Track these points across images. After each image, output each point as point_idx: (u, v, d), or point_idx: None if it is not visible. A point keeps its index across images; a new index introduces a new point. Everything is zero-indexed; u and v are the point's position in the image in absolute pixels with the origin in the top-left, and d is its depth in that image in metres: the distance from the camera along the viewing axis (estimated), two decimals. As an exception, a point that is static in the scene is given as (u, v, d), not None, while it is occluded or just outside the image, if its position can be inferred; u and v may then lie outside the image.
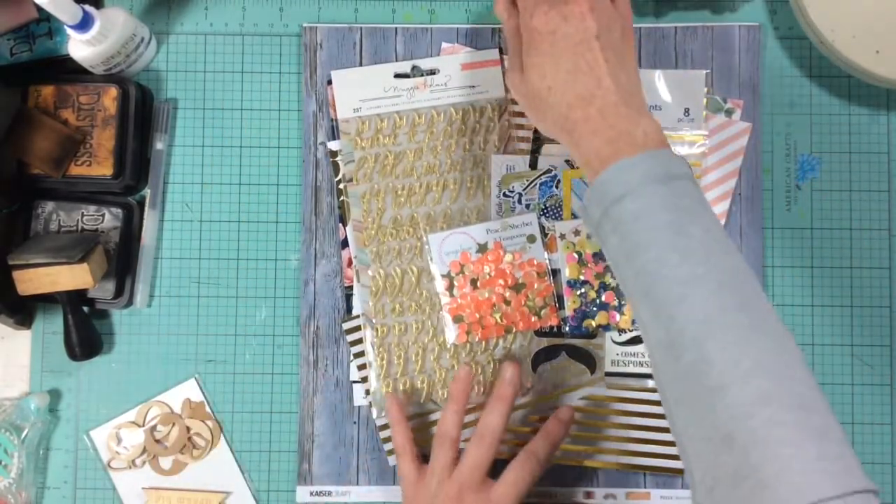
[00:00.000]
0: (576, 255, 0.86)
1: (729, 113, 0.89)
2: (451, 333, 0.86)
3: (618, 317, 0.87)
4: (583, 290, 0.87)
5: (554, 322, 0.86)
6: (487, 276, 0.87)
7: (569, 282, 0.86)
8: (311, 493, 0.88)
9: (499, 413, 0.80)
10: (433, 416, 0.87)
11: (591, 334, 0.87)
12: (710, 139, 0.88)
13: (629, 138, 0.69)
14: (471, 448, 0.80)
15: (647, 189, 0.66)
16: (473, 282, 0.87)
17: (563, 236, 0.86)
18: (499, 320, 0.87)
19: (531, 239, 0.87)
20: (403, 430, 0.84)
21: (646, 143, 0.69)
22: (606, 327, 0.87)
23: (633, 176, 0.67)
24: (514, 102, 0.89)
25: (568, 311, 0.87)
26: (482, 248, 0.87)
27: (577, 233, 0.86)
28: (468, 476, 0.79)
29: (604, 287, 0.87)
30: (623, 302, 0.86)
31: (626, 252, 0.66)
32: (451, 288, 0.87)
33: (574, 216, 0.87)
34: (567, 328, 0.87)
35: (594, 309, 0.87)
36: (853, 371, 0.89)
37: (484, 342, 0.87)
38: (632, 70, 0.74)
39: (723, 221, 0.88)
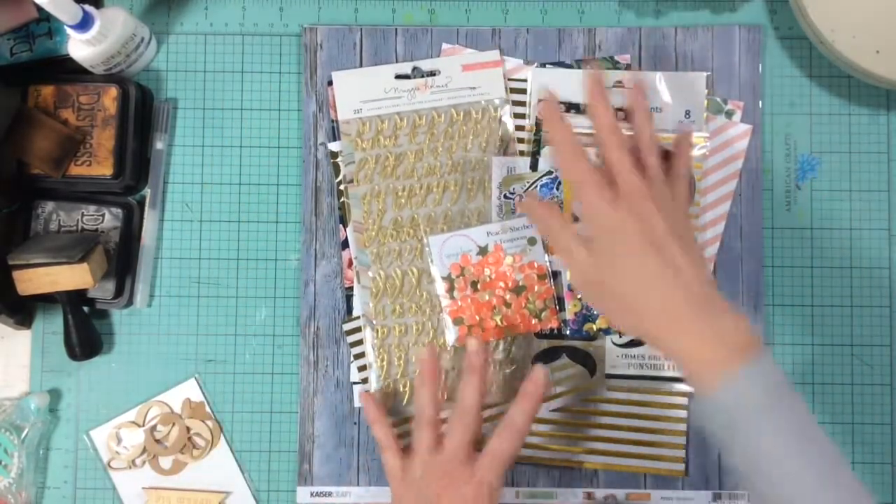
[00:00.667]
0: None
1: (729, 115, 0.89)
2: (452, 335, 0.87)
3: (619, 320, 0.87)
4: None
5: (554, 325, 0.86)
6: (488, 279, 0.87)
7: (570, 286, 0.86)
8: (312, 494, 0.88)
9: (472, 387, 0.80)
10: (433, 417, 0.88)
11: (591, 337, 0.87)
12: (711, 141, 0.88)
13: (724, 339, 0.70)
14: (456, 423, 0.79)
15: (769, 404, 0.68)
16: (474, 284, 0.87)
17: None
18: (499, 323, 0.87)
19: (532, 241, 0.87)
20: (383, 427, 0.83)
21: (738, 338, 0.70)
22: (607, 331, 0.87)
23: (753, 392, 0.68)
24: (514, 104, 0.89)
25: (569, 315, 0.86)
26: (483, 251, 0.87)
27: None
28: (453, 454, 0.78)
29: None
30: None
31: (752, 459, 0.68)
32: (451, 290, 0.87)
33: (575, 220, 0.87)
34: (568, 331, 0.87)
35: (595, 312, 0.87)
36: (853, 371, 0.89)
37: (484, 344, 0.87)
38: (698, 255, 0.74)
39: (723, 222, 0.88)
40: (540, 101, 0.89)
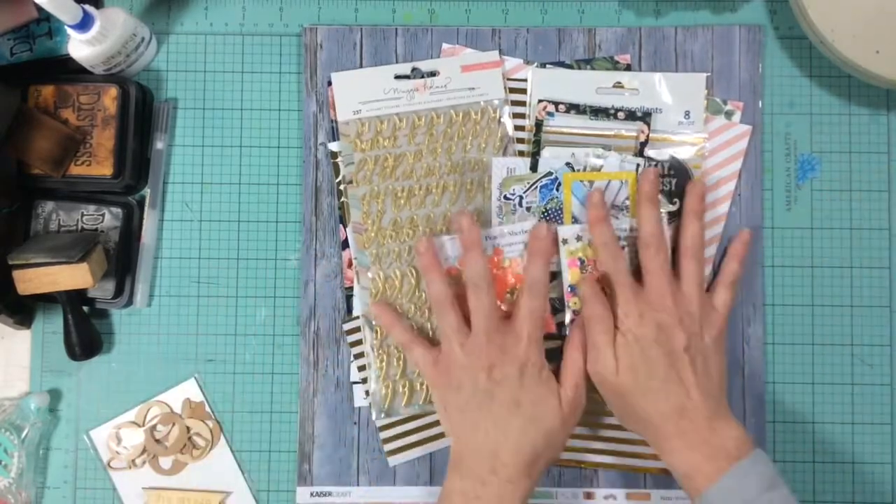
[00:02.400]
0: (578, 261, 0.86)
1: (729, 115, 0.89)
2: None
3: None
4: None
5: (550, 329, 0.86)
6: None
7: (571, 286, 0.86)
8: (312, 494, 0.88)
9: (537, 265, 0.82)
10: (433, 418, 0.87)
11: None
12: (711, 142, 0.88)
13: (725, 452, 0.76)
14: (474, 300, 0.81)
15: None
16: (472, 286, 0.86)
17: (565, 241, 0.86)
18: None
19: (529, 246, 0.87)
20: (402, 327, 0.85)
21: (739, 452, 0.76)
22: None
23: (745, 490, 0.74)
24: (513, 104, 0.89)
25: (568, 315, 0.86)
26: (481, 254, 0.87)
27: (578, 238, 0.86)
28: (485, 323, 0.80)
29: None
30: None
31: None
32: (449, 291, 0.87)
33: (574, 221, 0.87)
34: (567, 332, 0.87)
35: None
36: (853, 371, 0.89)
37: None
38: (717, 373, 0.81)
39: (722, 222, 0.88)
40: (540, 100, 0.89)
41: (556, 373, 0.82)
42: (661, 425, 0.78)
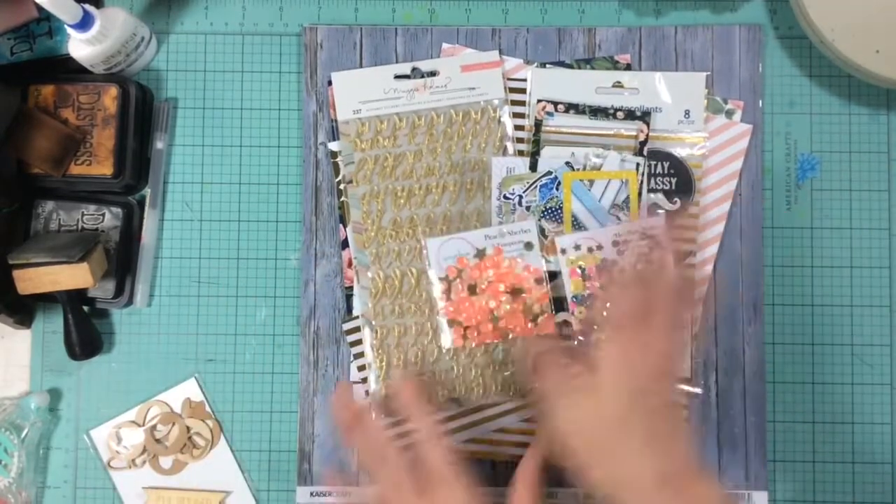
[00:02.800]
0: (578, 270, 0.86)
1: (729, 114, 0.89)
2: (447, 338, 0.86)
3: (625, 327, 0.86)
4: (588, 302, 0.86)
5: (551, 329, 0.86)
6: (485, 282, 0.87)
7: (574, 297, 0.86)
8: (311, 494, 0.88)
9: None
10: (433, 418, 0.88)
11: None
12: (711, 141, 0.88)
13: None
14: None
15: None
16: (471, 287, 0.86)
17: (563, 251, 0.86)
18: (495, 326, 0.86)
19: (528, 246, 0.87)
20: (428, 414, 0.78)
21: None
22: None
23: None
24: (513, 104, 0.89)
25: (576, 327, 0.86)
26: (480, 254, 0.87)
27: (577, 247, 0.86)
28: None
29: (608, 298, 0.87)
30: (629, 312, 0.86)
31: None
32: (448, 292, 0.87)
33: (574, 227, 0.87)
34: (576, 342, 0.86)
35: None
36: (853, 371, 0.89)
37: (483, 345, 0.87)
38: (672, 428, 0.74)
39: (723, 222, 0.88)
40: (539, 100, 0.89)
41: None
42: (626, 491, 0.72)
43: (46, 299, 0.87)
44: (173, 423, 0.88)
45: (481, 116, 0.89)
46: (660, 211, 0.88)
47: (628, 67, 0.90)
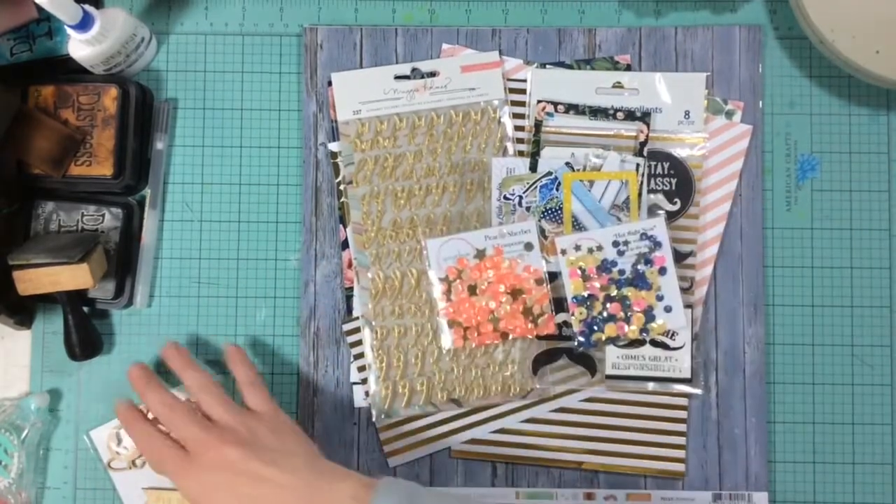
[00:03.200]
0: (578, 271, 0.86)
1: (730, 115, 0.89)
2: (447, 339, 0.86)
3: (626, 328, 0.86)
4: (588, 303, 0.86)
5: (551, 330, 0.86)
6: (485, 283, 0.86)
7: (574, 297, 0.86)
8: (311, 494, 0.88)
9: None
10: (433, 419, 0.87)
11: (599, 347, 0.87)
12: (711, 141, 0.88)
13: None
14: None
15: None
16: (471, 288, 0.86)
17: (563, 251, 0.86)
18: (495, 327, 0.86)
19: (528, 246, 0.87)
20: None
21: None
22: (616, 339, 0.87)
23: None
24: (513, 104, 0.89)
25: (576, 328, 0.86)
26: (480, 254, 0.87)
27: (577, 248, 0.86)
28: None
29: (609, 299, 0.86)
30: (630, 313, 0.86)
31: None
32: (448, 293, 0.87)
33: (574, 228, 0.87)
34: (576, 342, 0.87)
35: (601, 322, 0.86)
36: (853, 371, 0.89)
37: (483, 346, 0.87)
38: (291, 453, 0.78)
39: (723, 222, 0.88)
40: (539, 101, 0.89)
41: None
42: None
43: (46, 300, 0.87)
44: (173, 424, 0.88)
45: (481, 117, 0.89)
46: (660, 211, 0.88)
47: (628, 68, 0.90)
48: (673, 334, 0.86)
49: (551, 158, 0.88)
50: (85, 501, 0.89)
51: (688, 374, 0.87)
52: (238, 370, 0.84)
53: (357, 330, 0.88)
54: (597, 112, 0.88)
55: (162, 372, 0.89)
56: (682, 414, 0.87)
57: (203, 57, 0.92)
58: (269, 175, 0.91)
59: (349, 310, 0.88)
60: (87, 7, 0.82)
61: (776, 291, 0.89)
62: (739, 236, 0.89)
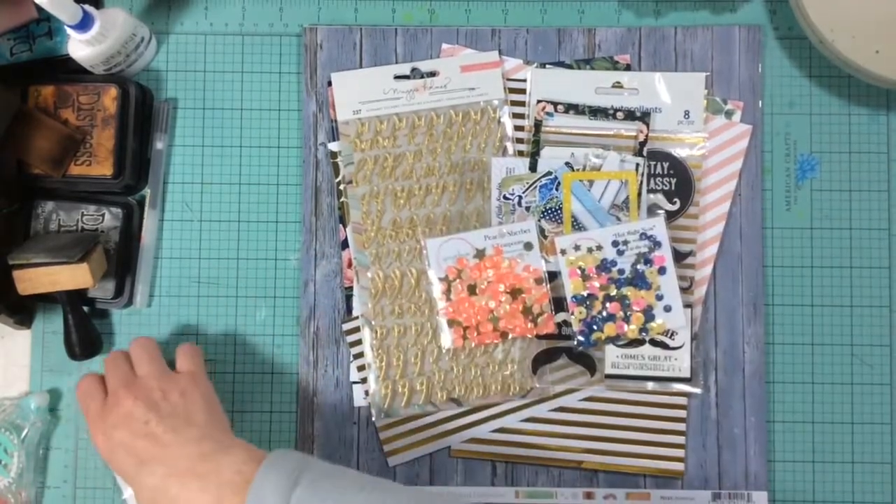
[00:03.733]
0: (578, 271, 0.86)
1: (729, 115, 0.89)
2: (447, 338, 0.86)
3: (626, 327, 0.86)
4: (588, 303, 0.86)
5: (550, 329, 0.86)
6: (485, 282, 0.87)
7: (574, 297, 0.86)
8: (311, 493, 0.88)
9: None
10: (432, 418, 0.88)
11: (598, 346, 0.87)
12: (711, 141, 0.89)
13: (230, 488, 0.71)
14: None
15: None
16: (471, 287, 0.86)
17: (563, 251, 0.86)
18: (495, 326, 0.86)
19: (528, 246, 0.87)
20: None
21: (243, 478, 0.71)
22: (616, 339, 0.87)
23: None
24: (513, 104, 0.89)
25: (575, 327, 0.86)
26: (480, 254, 0.87)
27: (577, 247, 0.86)
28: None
29: (609, 298, 0.86)
30: (629, 312, 0.86)
31: None
32: (447, 292, 0.87)
33: (574, 228, 0.87)
34: (575, 342, 0.87)
35: (600, 321, 0.86)
36: (853, 371, 0.89)
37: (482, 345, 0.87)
38: (205, 406, 0.79)
39: (723, 222, 0.88)
40: (539, 101, 0.89)
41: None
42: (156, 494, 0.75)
43: (46, 299, 0.87)
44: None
45: (481, 117, 0.89)
46: (659, 211, 0.88)
47: (628, 68, 0.90)
48: (672, 334, 0.87)
49: (551, 158, 0.88)
50: (85, 501, 0.89)
51: (687, 374, 0.87)
52: (181, 346, 0.85)
53: (357, 329, 0.88)
54: (596, 112, 0.88)
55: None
56: (682, 413, 0.88)
57: (203, 57, 0.92)
58: (268, 175, 0.91)
59: (349, 309, 0.88)
60: (87, 7, 0.82)
61: (776, 291, 0.90)
62: (739, 236, 0.89)
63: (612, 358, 0.87)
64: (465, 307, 0.86)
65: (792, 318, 0.89)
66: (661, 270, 0.86)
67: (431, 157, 0.89)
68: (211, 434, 0.77)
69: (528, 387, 0.87)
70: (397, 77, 0.89)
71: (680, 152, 0.88)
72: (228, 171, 0.91)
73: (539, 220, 0.88)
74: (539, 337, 0.87)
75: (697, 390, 0.87)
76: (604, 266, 0.86)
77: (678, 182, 0.88)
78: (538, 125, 0.88)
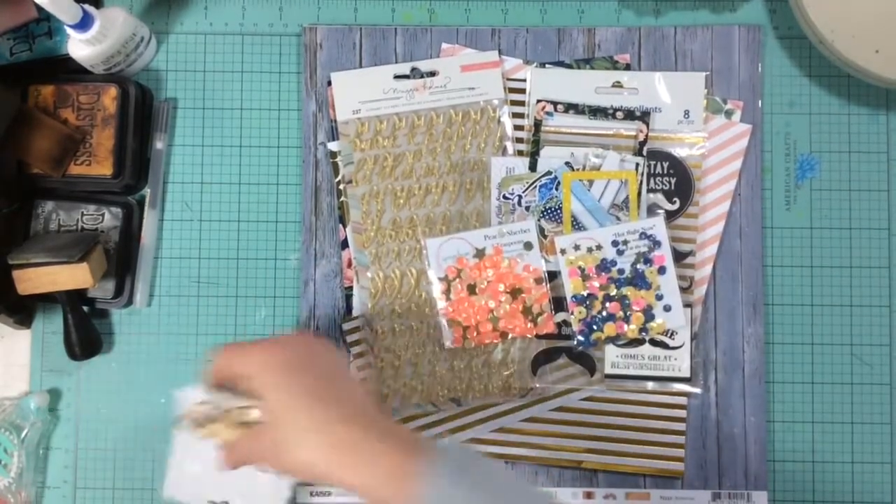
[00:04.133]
0: (578, 270, 0.86)
1: (729, 114, 0.89)
2: (448, 338, 0.86)
3: (626, 327, 0.86)
4: (588, 302, 0.86)
5: (550, 329, 0.86)
6: (485, 282, 0.87)
7: (574, 296, 0.86)
8: (311, 493, 0.88)
9: None
10: (432, 418, 0.88)
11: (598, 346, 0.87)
12: (710, 141, 0.89)
13: (390, 478, 0.64)
14: None
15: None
16: (470, 287, 0.87)
17: (563, 251, 0.86)
18: (495, 326, 0.86)
19: (528, 246, 0.87)
20: None
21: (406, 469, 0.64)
22: (616, 338, 0.87)
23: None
24: (513, 104, 0.89)
25: (575, 327, 0.86)
26: (479, 254, 0.87)
27: (576, 247, 0.86)
28: None
29: (608, 298, 0.86)
30: (629, 312, 0.86)
31: None
32: (447, 292, 0.87)
33: (574, 227, 0.87)
34: (575, 341, 0.87)
35: (600, 321, 0.86)
36: (853, 371, 0.89)
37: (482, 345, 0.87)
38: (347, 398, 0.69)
39: (722, 222, 0.88)
40: (539, 100, 0.89)
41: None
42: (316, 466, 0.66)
43: (46, 299, 0.87)
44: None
45: (481, 116, 0.89)
46: (659, 211, 0.88)
47: (628, 67, 0.90)
48: (672, 333, 0.87)
49: (551, 158, 0.88)
50: (85, 501, 0.89)
51: (687, 374, 0.87)
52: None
53: (357, 329, 0.88)
54: (596, 111, 0.88)
55: (160, 370, 0.89)
56: (682, 413, 0.87)
57: (203, 57, 0.92)
58: (268, 175, 0.91)
59: (349, 309, 0.88)
60: (87, 7, 0.82)
61: (775, 291, 0.90)
62: (739, 235, 0.89)
63: (612, 358, 0.87)
64: (464, 307, 0.86)
65: (792, 317, 0.89)
66: (661, 270, 0.86)
67: (431, 157, 0.89)
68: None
69: (528, 387, 0.87)
70: (397, 77, 0.89)
71: (680, 152, 0.88)
72: (228, 170, 0.91)
73: (539, 220, 0.88)
74: (539, 337, 0.87)
75: (697, 390, 0.87)
76: (604, 266, 0.86)
77: (678, 182, 0.88)
78: (538, 125, 0.88)
